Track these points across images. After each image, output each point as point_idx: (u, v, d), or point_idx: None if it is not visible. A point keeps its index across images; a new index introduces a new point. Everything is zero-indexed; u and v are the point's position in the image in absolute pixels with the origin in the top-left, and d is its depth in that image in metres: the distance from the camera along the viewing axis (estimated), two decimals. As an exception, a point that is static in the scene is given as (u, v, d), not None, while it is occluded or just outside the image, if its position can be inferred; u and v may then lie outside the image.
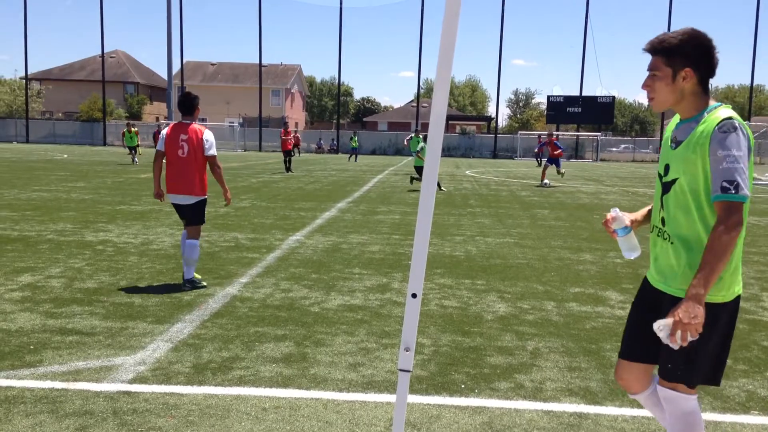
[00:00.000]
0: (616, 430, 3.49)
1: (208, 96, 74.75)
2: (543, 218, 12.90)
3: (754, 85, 62.42)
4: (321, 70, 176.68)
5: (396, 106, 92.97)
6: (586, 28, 57.82)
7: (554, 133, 24.77)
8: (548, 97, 60.53)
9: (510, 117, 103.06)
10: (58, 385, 3.89)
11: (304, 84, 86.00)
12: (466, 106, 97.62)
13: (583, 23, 57.82)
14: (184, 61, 63.46)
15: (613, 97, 61.00)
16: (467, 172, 32.02)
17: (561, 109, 58.85)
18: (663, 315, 2.47)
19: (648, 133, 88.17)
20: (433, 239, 9.78)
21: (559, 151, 22.08)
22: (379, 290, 6.46)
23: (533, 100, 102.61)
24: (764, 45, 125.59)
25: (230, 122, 62.04)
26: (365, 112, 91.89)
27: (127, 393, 3.81)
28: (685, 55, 2.43)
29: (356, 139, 42.47)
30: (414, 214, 13.10)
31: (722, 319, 2.49)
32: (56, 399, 3.69)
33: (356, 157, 41.92)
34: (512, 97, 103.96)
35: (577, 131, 62.26)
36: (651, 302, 2.66)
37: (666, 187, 2.57)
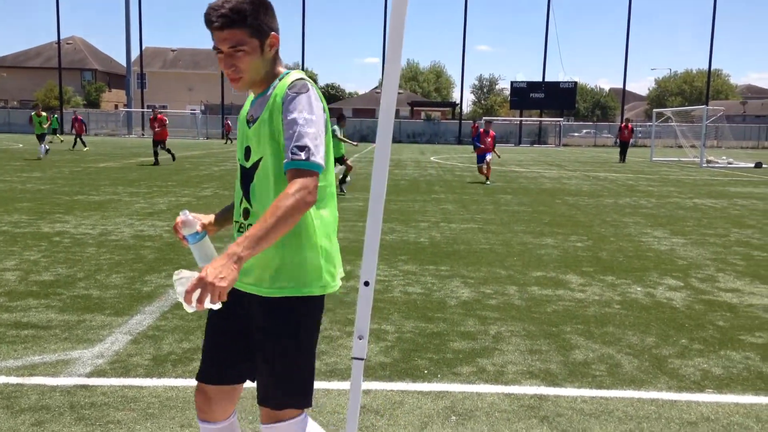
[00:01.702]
0: (575, 410, 3.54)
1: (168, 83, 73.68)
2: (506, 203, 13.01)
3: (711, 69, 63.63)
4: (285, 56, 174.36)
5: (361, 92, 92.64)
6: (549, 15, 58.23)
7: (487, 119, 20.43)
8: (512, 83, 60.94)
9: (474, 103, 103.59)
10: (13, 380, 3.80)
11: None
12: (431, 92, 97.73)
13: (545, 10, 58.22)
14: (144, 47, 62.23)
15: (575, 83, 61.68)
16: (432, 158, 32.10)
17: (524, 95, 59.32)
18: (252, 319, 2.17)
19: (609, 118, 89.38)
20: (397, 226, 9.79)
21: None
22: (343, 278, 6.43)
23: (497, 86, 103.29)
24: (721, 31, 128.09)
25: (192, 109, 61.13)
26: (330, 99, 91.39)
27: (85, 387, 3.73)
28: (264, 20, 2.09)
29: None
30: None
31: (309, 315, 2.21)
32: (11, 394, 3.61)
33: None
34: (476, 83, 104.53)
35: (541, 117, 62.84)
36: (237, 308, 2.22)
37: (249, 175, 2.16)
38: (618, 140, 32.11)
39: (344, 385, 3.83)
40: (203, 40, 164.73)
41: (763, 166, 27.37)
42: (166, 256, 7.21)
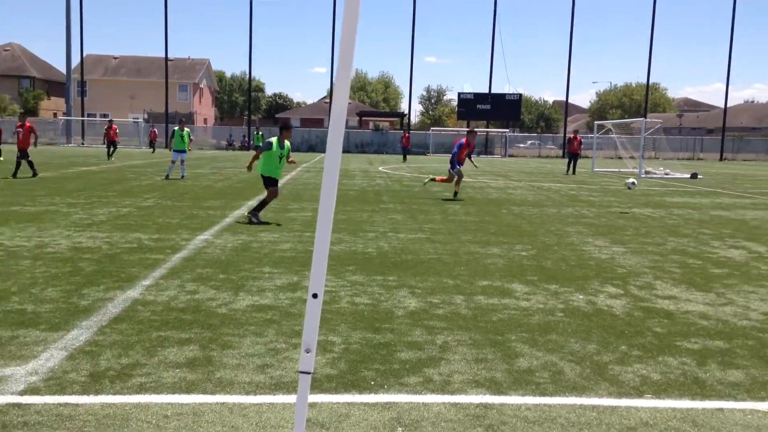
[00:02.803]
0: (519, 418, 3.58)
1: (110, 91, 71.95)
2: (454, 213, 13.12)
3: (650, 83, 65.74)
4: (231, 65, 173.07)
5: (309, 102, 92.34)
6: (494, 28, 59.23)
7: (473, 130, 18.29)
8: (459, 94, 61.73)
9: (422, 113, 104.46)
10: (-62, 401, 3.62)
11: (213, 79, 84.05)
12: (380, 102, 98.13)
13: (491, 22, 59.23)
14: (85, 54, 60.69)
15: (520, 95, 62.87)
16: (380, 168, 32.19)
17: (471, 106, 60.14)
18: None
19: (553, 130, 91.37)
20: (345, 236, 9.76)
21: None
22: (289, 289, 6.38)
23: (445, 97, 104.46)
24: (659, 46, 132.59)
25: (134, 118, 59.86)
26: (277, 108, 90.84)
27: (18, 405, 3.58)
28: None
29: (261, 135, 40.27)
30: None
31: None
32: (-64, 416, 3.43)
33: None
34: (425, 93, 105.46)
35: (487, 128, 63.76)
36: None
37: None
38: (567, 152, 31.23)
39: (290, 398, 3.78)
40: (147, 47, 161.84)
41: (699, 176, 28.35)
42: (105, 269, 7.01)
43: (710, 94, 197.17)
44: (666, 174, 29.63)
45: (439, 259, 8.10)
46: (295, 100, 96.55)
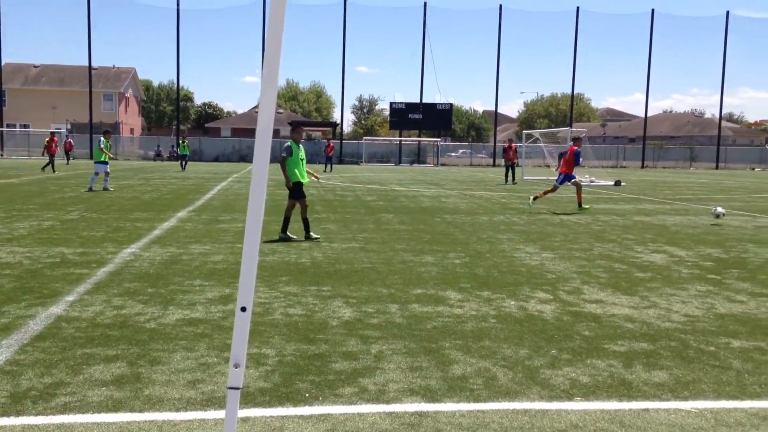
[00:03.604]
0: (454, 425, 3.61)
1: (30, 100, 69.19)
2: (388, 222, 13.18)
3: (574, 94, 67.90)
4: (158, 74, 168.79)
5: (240, 111, 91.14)
6: (424, 38, 60.01)
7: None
8: (391, 103, 62.18)
9: (355, 123, 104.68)
10: None
11: (139, 88, 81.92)
12: (312, 112, 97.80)
13: (421, 33, 59.98)
14: (3, 63, 58.19)
15: (451, 105, 63.85)
16: (313, 177, 32.05)
17: (403, 116, 60.69)
18: None
19: (483, 139, 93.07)
20: (278, 246, 9.66)
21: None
22: (221, 302, 6.25)
23: (377, 107, 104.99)
24: (583, 58, 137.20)
25: (56, 128, 57.67)
26: (207, 118, 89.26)
27: (-72, 433, 3.38)
28: None
29: (187, 144, 38.60)
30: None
31: None
32: None
33: (186, 164, 37.93)
34: (357, 103, 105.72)
35: (419, 137, 64.44)
36: None
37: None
38: (505, 161, 30.25)
39: (222, 414, 3.70)
40: (69, 56, 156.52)
41: (622, 183, 29.40)
42: (26, 285, 6.71)
43: (632, 104, 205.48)
44: (591, 181, 30.60)
45: (373, 268, 8.11)
46: (225, 110, 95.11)
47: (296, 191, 10.57)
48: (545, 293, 6.89)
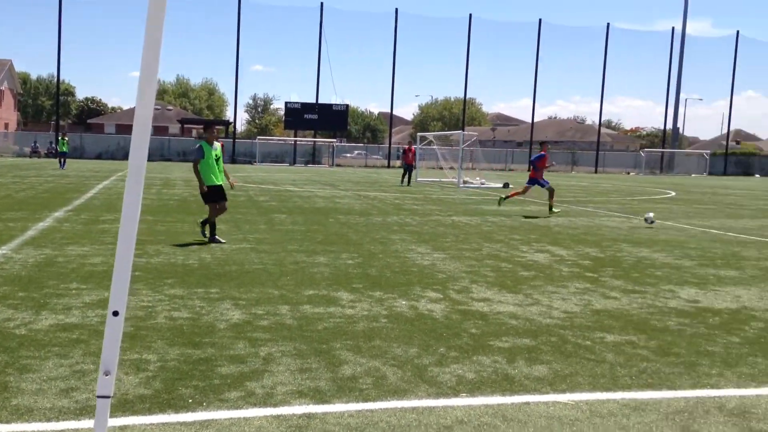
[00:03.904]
0: (342, 425, 3.59)
1: None
2: (280, 223, 13.01)
3: (467, 98, 69.84)
4: (38, 67, 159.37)
5: (126, 107, 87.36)
6: (321, 39, 59.86)
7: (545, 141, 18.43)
8: (286, 103, 61.58)
9: (249, 122, 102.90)
10: None
11: (15, 81, 76.81)
12: (203, 110, 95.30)
13: (317, 33, 59.78)
14: None
15: (347, 106, 64.01)
16: (229, 182, 31.20)
17: (298, 116, 60.25)
18: None
19: (379, 140, 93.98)
20: (164, 248, 9.31)
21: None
22: (99, 306, 5.94)
23: (272, 106, 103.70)
24: (475, 63, 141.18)
25: None
26: (90, 113, 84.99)
27: None
28: None
29: (66, 141, 36.00)
30: (145, 222, 12.37)
31: None
32: None
33: (65, 161, 35.47)
34: (251, 102, 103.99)
35: (315, 137, 64.18)
36: None
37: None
38: (403, 163, 29.99)
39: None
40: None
41: (510, 186, 30.51)
42: None
43: (520, 109, 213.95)
44: (482, 183, 31.55)
45: (264, 270, 7.97)
46: (110, 105, 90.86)
47: (212, 195, 10.04)
48: (435, 292, 7.01)
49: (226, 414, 3.70)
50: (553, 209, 16.76)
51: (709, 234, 13.20)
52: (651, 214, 14.84)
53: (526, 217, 15.85)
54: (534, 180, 16.81)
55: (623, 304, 6.71)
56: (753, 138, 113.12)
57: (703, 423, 3.78)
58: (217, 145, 10.17)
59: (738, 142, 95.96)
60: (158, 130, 71.97)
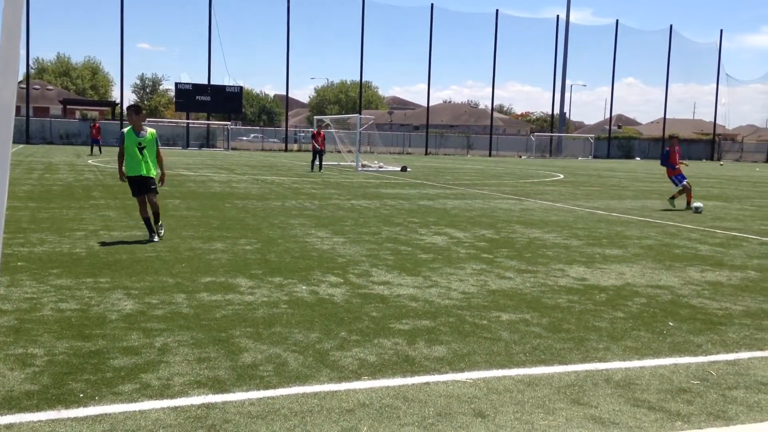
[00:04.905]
0: (243, 414, 3.53)
1: None
2: (174, 208, 12.60)
3: (363, 82, 70.01)
4: None
5: None
6: (210, 17, 58.10)
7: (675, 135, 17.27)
8: (176, 84, 59.54)
9: (137, 102, 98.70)
10: None
11: None
12: (87, 90, 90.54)
13: (207, 10, 57.96)
14: None
15: (241, 88, 62.66)
16: (90, 161, 29.73)
17: (190, 97, 58.42)
18: None
19: (275, 123, 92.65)
20: (49, 236, 8.81)
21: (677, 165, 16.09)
22: (-23, 299, 5.54)
23: (161, 87, 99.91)
24: (370, 47, 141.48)
25: None
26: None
27: None
28: None
29: None
30: (27, 209, 11.65)
31: None
32: None
33: None
34: (138, 82, 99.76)
35: (208, 120, 62.42)
36: None
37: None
38: (313, 147, 28.40)
39: (-23, 425, 3.27)
40: None
41: (408, 169, 30.93)
42: None
43: (415, 93, 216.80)
44: (380, 167, 31.81)
45: (158, 257, 7.70)
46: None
47: (133, 187, 8.87)
48: (336, 277, 7.01)
49: (121, 407, 3.55)
50: (674, 200, 15.84)
51: (595, 215, 13.92)
52: (700, 204, 15.11)
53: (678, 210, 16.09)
54: (679, 176, 15.96)
55: (517, 284, 6.96)
56: (633, 123, 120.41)
57: (592, 395, 4.00)
58: (148, 132, 8.83)
59: (620, 127, 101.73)
60: (39, 111, 67.80)
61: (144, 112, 9.16)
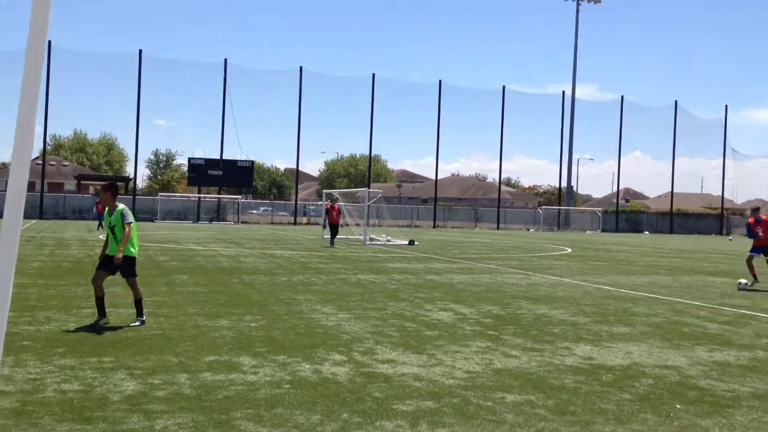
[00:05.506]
0: (242, 504, 3.48)
1: None
2: (182, 284, 12.65)
3: (372, 155, 71.11)
4: None
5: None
6: (225, 95, 59.66)
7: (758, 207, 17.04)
8: (189, 159, 60.61)
9: (150, 178, 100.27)
10: None
11: None
12: (102, 165, 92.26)
13: (222, 89, 59.56)
14: None
15: (252, 162, 63.71)
16: (101, 236, 30.01)
17: (202, 172, 59.34)
18: None
19: (285, 197, 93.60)
20: (56, 314, 8.85)
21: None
22: (-19, 380, 5.54)
23: (175, 161, 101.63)
24: (380, 121, 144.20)
25: None
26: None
27: None
28: None
29: None
30: (35, 286, 11.74)
31: None
32: None
33: None
34: (152, 157, 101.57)
35: (219, 194, 63.21)
36: None
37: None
38: (327, 222, 27.81)
39: None
40: None
41: (415, 243, 31.01)
42: None
43: (424, 166, 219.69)
44: (388, 241, 31.91)
45: (163, 335, 7.70)
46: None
47: (101, 262, 8.68)
48: (340, 355, 6.98)
49: (118, 496, 3.51)
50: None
51: (602, 291, 13.86)
52: (743, 281, 14.94)
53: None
54: (759, 248, 15.57)
55: (523, 363, 6.90)
56: (641, 196, 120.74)
57: (596, 481, 3.91)
58: (117, 209, 8.45)
59: (627, 200, 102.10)
60: (53, 187, 68.92)
61: (111, 190, 8.56)
